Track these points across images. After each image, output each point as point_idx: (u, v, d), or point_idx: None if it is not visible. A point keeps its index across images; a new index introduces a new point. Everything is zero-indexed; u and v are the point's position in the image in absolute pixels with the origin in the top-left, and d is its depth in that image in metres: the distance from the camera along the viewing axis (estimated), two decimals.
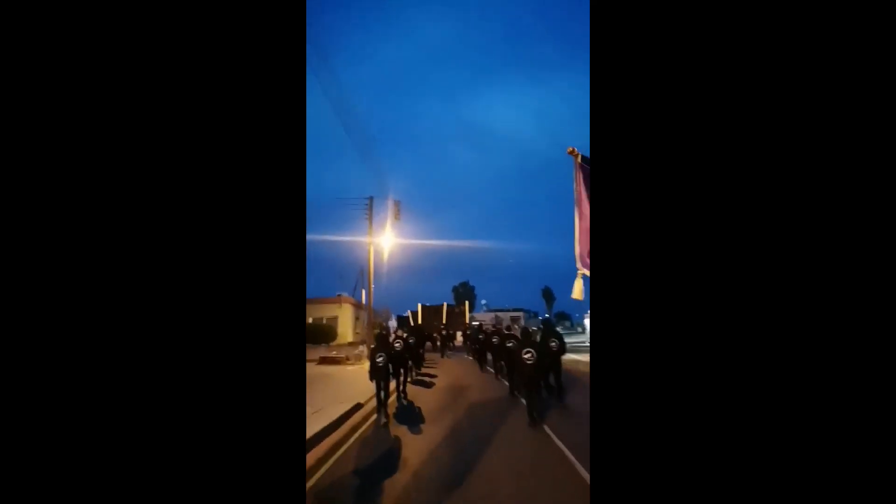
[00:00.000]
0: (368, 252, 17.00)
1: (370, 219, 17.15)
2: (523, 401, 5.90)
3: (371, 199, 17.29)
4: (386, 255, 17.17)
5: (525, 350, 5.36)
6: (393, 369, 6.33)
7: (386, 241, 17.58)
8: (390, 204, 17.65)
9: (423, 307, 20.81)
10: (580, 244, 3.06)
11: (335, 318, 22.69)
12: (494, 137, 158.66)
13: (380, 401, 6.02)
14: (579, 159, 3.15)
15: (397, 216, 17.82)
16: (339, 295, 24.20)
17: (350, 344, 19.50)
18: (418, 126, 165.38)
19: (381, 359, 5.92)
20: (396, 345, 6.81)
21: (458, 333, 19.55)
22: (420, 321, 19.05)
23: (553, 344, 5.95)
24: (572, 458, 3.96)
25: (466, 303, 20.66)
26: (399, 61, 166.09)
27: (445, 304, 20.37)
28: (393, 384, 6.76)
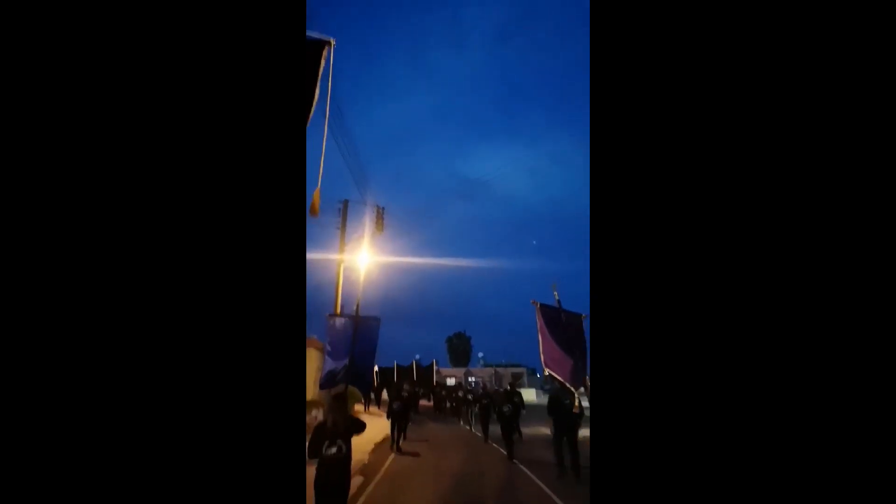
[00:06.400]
0: (337, 274, 12.40)
1: (343, 228, 12.74)
2: (494, 444, 8.98)
3: (346, 202, 13.00)
4: (362, 277, 12.55)
5: (505, 406, 7.78)
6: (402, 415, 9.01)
7: (362, 259, 12.99)
8: (370, 211, 13.34)
9: (398, 366, 19.52)
10: (543, 357, 4.58)
11: None
12: (487, 188, 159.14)
13: (394, 438, 8.55)
14: (538, 306, 4.59)
15: (381, 227, 13.45)
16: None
17: (308, 403, 14.19)
18: (413, 178, 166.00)
19: (396, 405, 8.77)
20: (404, 394, 9.30)
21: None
22: (395, 379, 17.23)
23: (516, 399, 8.43)
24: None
25: (434, 361, 20.47)
26: (397, 119, 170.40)
27: (414, 361, 20.03)
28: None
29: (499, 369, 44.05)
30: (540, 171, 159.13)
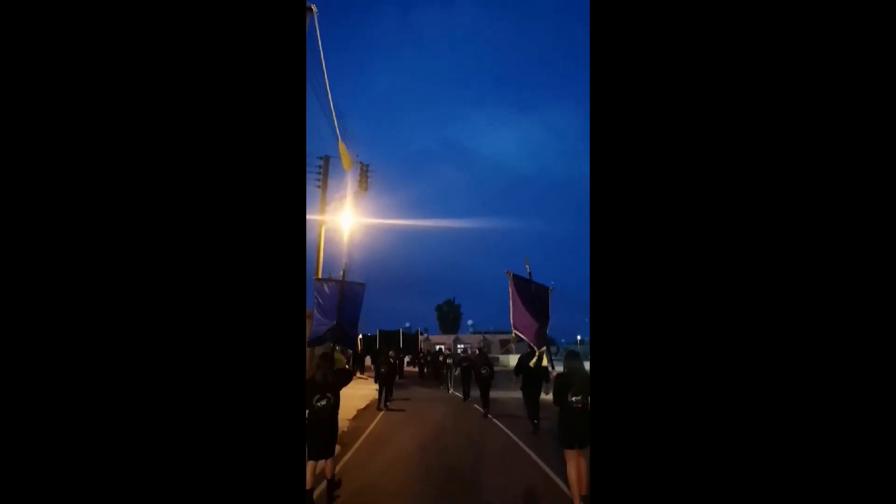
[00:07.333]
0: (319, 235, 11.64)
1: (324, 186, 11.86)
2: (476, 406, 9.28)
3: (327, 158, 12.05)
4: (346, 239, 11.81)
5: (483, 367, 8.79)
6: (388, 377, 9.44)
7: (345, 220, 12.18)
8: (353, 168, 12.38)
9: (381, 332, 19.15)
10: (513, 321, 5.05)
11: None
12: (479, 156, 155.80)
13: (381, 397, 9.11)
14: (511, 276, 5.03)
15: (365, 185, 12.58)
16: None
17: None
18: (404, 143, 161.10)
19: (384, 369, 9.24)
20: (390, 360, 9.67)
21: (406, 359, 20.11)
22: (378, 345, 17.02)
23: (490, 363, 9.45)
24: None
25: (419, 330, 21.31)
26: (389, 89, 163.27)
27: (401, 330, 20.00)
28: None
29: (487, 336, 44.42)
30: (531, 137, 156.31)
